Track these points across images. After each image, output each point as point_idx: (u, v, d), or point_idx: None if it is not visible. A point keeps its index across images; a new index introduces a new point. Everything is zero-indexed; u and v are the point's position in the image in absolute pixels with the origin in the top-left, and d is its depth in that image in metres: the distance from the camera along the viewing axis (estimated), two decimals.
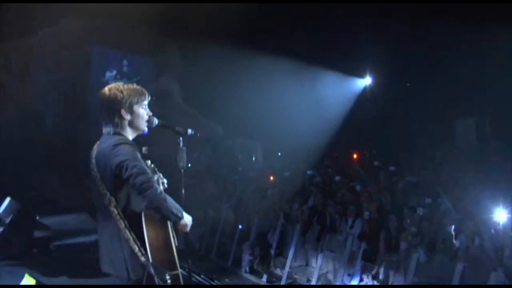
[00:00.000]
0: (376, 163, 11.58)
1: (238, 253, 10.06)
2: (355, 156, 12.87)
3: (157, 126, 3.51)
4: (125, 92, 3.38)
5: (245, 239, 10.17)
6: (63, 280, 6.83)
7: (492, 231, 7.58)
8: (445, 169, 10.34)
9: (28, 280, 4.65)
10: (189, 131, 3.53)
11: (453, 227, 7.81)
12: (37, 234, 8.79)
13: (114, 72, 11.65)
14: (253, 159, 11.18)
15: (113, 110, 3.38)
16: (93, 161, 3.35)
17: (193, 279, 3.64)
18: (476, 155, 9.09)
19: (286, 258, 9.52)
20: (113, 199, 3.21)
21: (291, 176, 11.39)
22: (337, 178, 10.61)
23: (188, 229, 3.40)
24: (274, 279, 9.41)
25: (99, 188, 3.28)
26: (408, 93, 13.30)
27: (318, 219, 9.71)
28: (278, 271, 9.56)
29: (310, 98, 13.39)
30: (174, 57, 9.26)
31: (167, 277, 3.21)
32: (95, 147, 3.45)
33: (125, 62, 11.66)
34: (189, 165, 3.61)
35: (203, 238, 10.63)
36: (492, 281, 7.17)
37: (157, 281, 3.24)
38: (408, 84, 14.32)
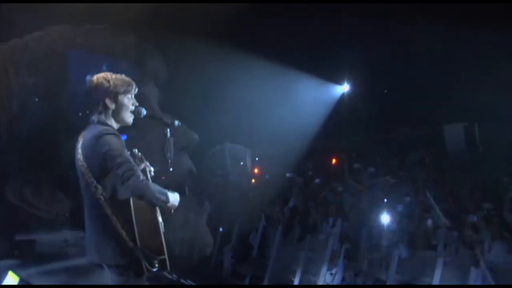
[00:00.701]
0: (356, 165, 11.69)
1: (220, 256, 10.03)
2: (334, 160, 13.01)
3: (145, 117, 3.53)
4: (111, 82, 3.40)
5: (226, 242, 10.15)
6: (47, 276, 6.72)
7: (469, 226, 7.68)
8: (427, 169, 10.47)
9: (12, 277, 4.58)
10: (176, 122, 3.56)
11: (430, 222, 7.92)
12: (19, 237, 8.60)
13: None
14: (241, 163, 11.12)
15: (98, 98, 3.40)
16: (79, 150, 3.36)
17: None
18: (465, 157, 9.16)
19: (268, 259, 9.52)
20: (99, 187, 3.22)
21: (272, 178, 11.42)
22: (317, 180, 10.68)
23: (176, 206, 3.41)
24: (257, 281, 9.39)
25: (86, 177, 3.28)
26: (388, 99, 13.41)
27: (299, 220, 9.75)
28: (260, 273, 9.54)
29: (289, 103, 13.46)
30: (157, 63, 9.22)
31: (155, 261, 3.22)
32: (81, 137, 3.44)
33: (104, 67, 11.57)
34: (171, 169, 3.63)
35: (184, 241, 10.55)
36: (473, 275, 7.27)
37: (144, 266, 3.24)
38: (385, 91, 14.46)
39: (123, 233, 3.18)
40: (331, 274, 8.74)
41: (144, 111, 3.49)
